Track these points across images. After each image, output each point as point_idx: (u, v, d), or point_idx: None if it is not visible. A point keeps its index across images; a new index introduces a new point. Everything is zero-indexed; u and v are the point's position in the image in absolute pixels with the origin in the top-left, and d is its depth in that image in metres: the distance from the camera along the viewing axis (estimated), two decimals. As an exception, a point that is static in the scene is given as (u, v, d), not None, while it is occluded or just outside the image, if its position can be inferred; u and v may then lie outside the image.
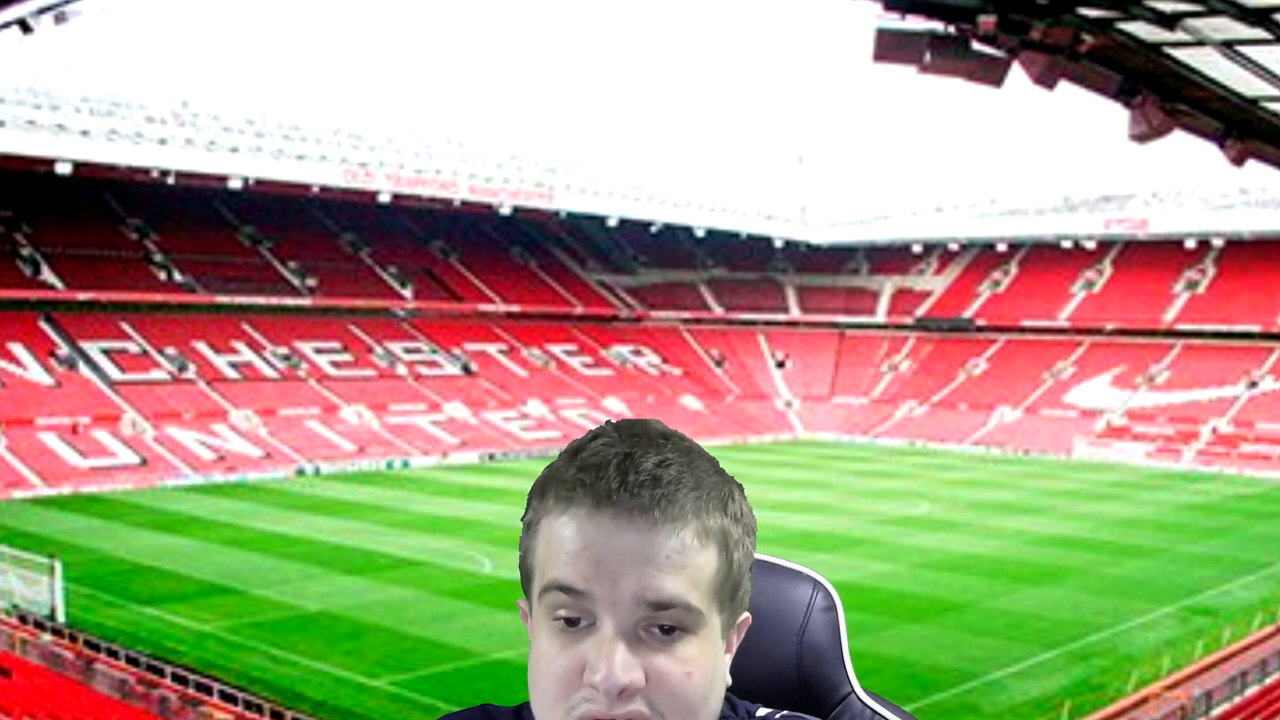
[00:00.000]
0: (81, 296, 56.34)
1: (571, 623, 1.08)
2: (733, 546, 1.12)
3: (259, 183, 58.54)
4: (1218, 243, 69.45)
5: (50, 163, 51.80)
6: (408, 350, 65.13)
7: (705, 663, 1.10)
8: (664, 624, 1.07)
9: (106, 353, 55.04)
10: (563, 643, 1.08)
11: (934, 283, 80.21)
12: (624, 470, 1.08)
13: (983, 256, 79.07)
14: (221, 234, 65.95)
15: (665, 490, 1.08)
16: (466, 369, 65.60)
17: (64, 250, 58.20)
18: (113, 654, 21.65)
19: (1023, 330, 73.09)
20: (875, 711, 1.31)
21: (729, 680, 1.15)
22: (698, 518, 1.09)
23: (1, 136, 49.38)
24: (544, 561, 1.11)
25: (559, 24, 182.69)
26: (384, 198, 63.36)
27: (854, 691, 1.32)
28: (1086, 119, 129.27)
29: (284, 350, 60.56)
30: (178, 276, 61.16)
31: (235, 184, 58.01)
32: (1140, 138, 10.07)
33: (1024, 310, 73.59)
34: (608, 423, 1.16)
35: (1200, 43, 9.00)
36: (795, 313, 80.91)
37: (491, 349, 68.43)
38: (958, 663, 22.59)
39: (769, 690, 1.29)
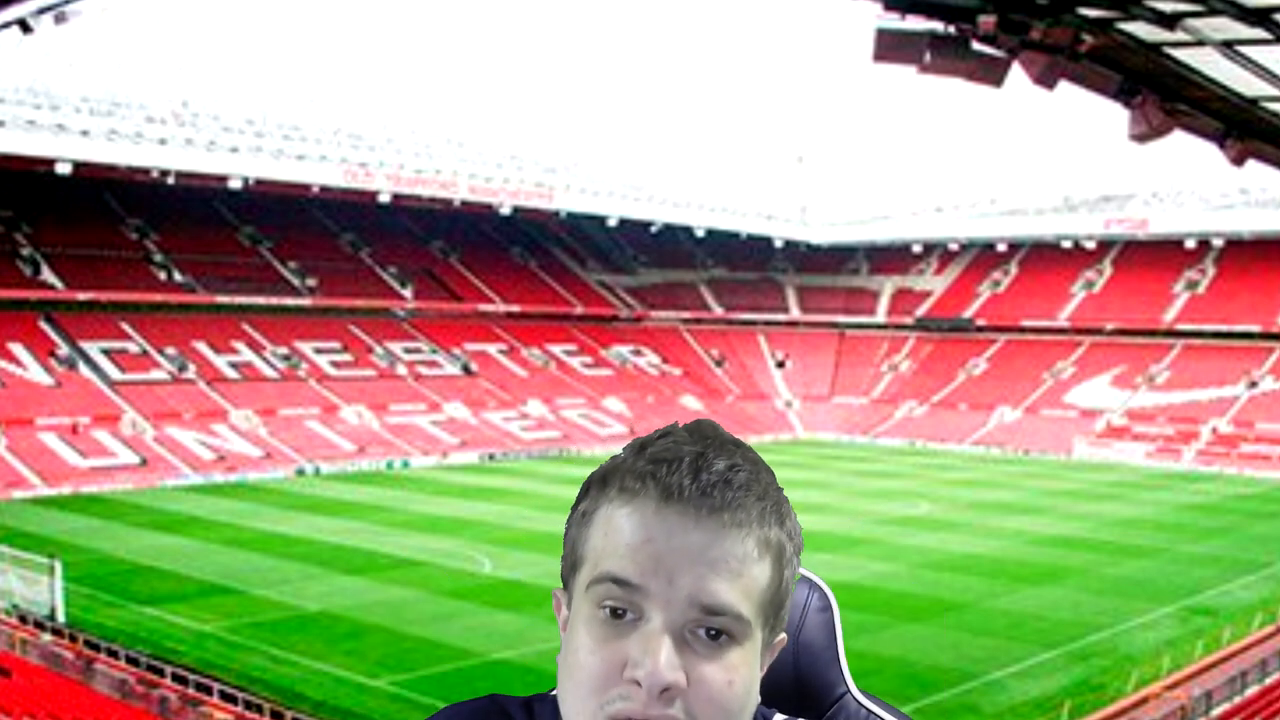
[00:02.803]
0: (81, 296, 56.34)
1: (617, 614, 1.06)
2: (785, 563, 1.11)
3: (259, 183, 58.52)
4: (1218, 243, 69.44)
5: (50, 163, 51.78)
6: (408, 350, 65.13)
7: (746, 674, 1.07)
8: (712, 629, 1.05)
9: (106, 353, 55.04)
10: (605, 635, 1.06)
11: (934, 283, 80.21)
12: (697, 468, 1.07)
13: (983, 256, 79.07)
14: (221, 234, 65.95)
15: (736, 495, 1.07)
16: (466, 369, 65.60)
17: (64, 250, 58.19)
18: (113, 654, 21.64)
19: (1023, 330, 73.09)
20: (871, 711, 1.30)
21: (759, 699, 1.13)
22: (761, 527, 1.08)
23: (1, 136, 49.38)
24: (598, 552, 1.08)
25: (559, 24, 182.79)
26: (384, 198, 63.36)
27: (849, 691, 1.32)
28: (1086, 119, 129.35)
29: (284, 350, 60.56)
30: (178, 276, 61.16)
31: (235, 184, 58.00)
32: (1140, 138, 10.06)
33: (1024, 310, 73.59)
34: (676, 423, 1.14)
35: (1200, 43, 9.00)
36: (795, 313, 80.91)
37: (491, 349, 68.43)
38: (958, 663, 22.58)
39: (765, 691, 1.28)
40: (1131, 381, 66.05)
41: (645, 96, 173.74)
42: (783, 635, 1.15)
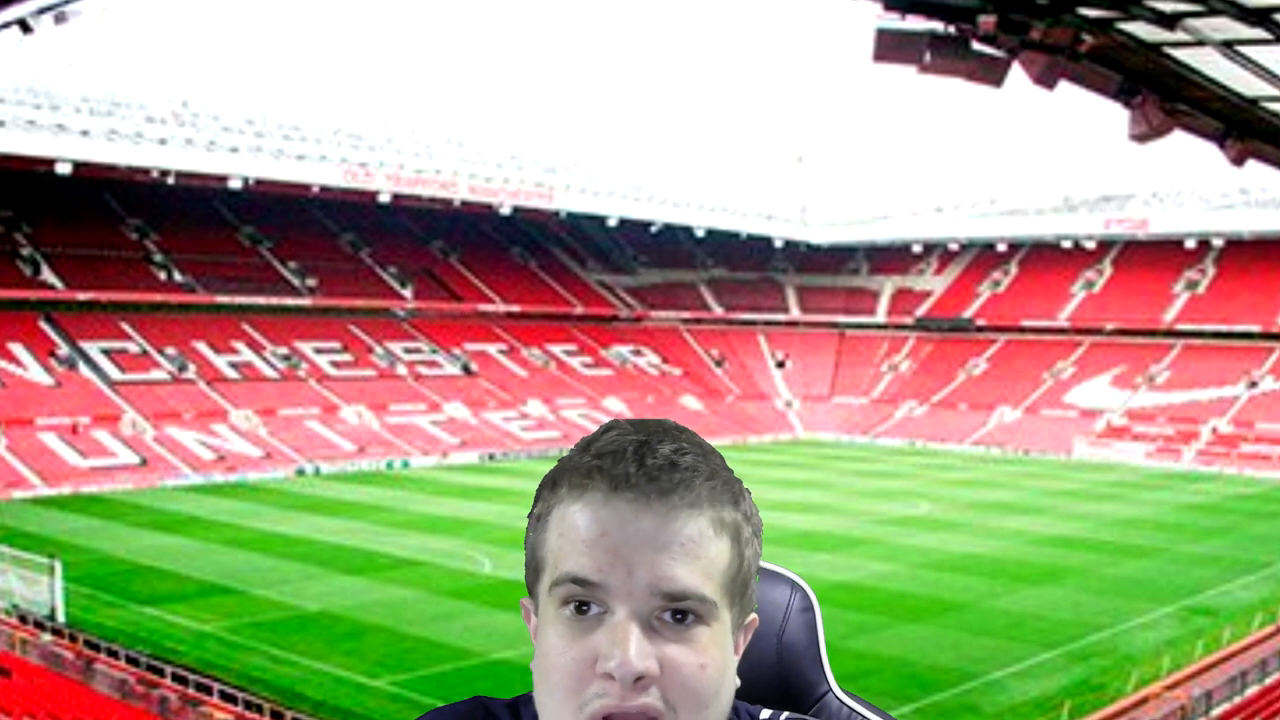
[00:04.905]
0: (81, 296, 56.34)
1: (582, 610, 1.06)
2: (744, 543, 1.11)
3: (259, 183, 58.54)
4: (1218, 243, 69.46)
5: (50, 163, 51.79)
6: (408, 350, 65.14)
7: (718, 655, 1.08)
8: (678, 612, 1.05)
9: (106, 353, 55.04)
10: (574, 633, 1.06)
11: (934, 283, 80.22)
12: (641, 455, 1.07)
13: (983, 256, 79.09)
14: (221, 234, 65.96)
15: (683, 476, 1.07)
16: (466, 369, 65.61)
17: (64, 250, 58.20)
18: (113, 654, 21.64)
19: (1023, 330, 73.09)
20: (852, 709, 1.32)
21: (738, 682, 1.14)
22: (713, 507, 1.08)
23: (1, 136, 49.38)
24: (556, 554, 1.09)
25: (559, 24, 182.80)
26: (384, 198, 63.37)
27: (831, 690, 1.34)
28: (1086, 119, 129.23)
29: (284, 350, 60.56)
30: (178, 276, 61.17)
31: (235, 184, 58.01)
32: (1140, 138, 10.06)
33: (1024, 310, 73.59)
34: (618, 419, 1.15)
35: (1200, 43, 8.99)
36: (795, 313, 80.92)
37: (491, 349, 68.44)
38: (958, 663, 22.58)
39: (749, 689, 1.28)
40: (1131, 381, 66.05)
41: (645, 96, 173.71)
42: (754, 615, 1.15)
